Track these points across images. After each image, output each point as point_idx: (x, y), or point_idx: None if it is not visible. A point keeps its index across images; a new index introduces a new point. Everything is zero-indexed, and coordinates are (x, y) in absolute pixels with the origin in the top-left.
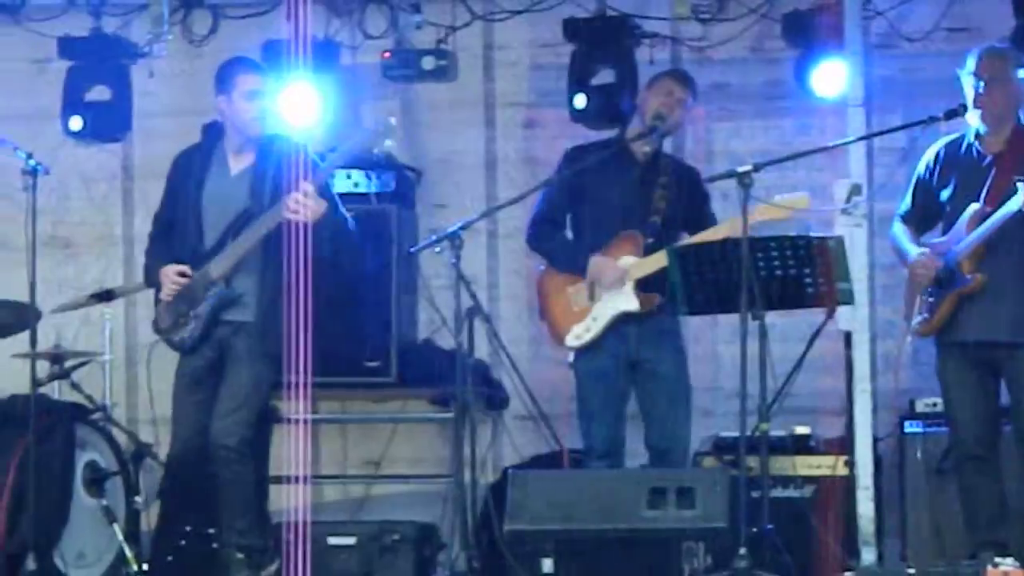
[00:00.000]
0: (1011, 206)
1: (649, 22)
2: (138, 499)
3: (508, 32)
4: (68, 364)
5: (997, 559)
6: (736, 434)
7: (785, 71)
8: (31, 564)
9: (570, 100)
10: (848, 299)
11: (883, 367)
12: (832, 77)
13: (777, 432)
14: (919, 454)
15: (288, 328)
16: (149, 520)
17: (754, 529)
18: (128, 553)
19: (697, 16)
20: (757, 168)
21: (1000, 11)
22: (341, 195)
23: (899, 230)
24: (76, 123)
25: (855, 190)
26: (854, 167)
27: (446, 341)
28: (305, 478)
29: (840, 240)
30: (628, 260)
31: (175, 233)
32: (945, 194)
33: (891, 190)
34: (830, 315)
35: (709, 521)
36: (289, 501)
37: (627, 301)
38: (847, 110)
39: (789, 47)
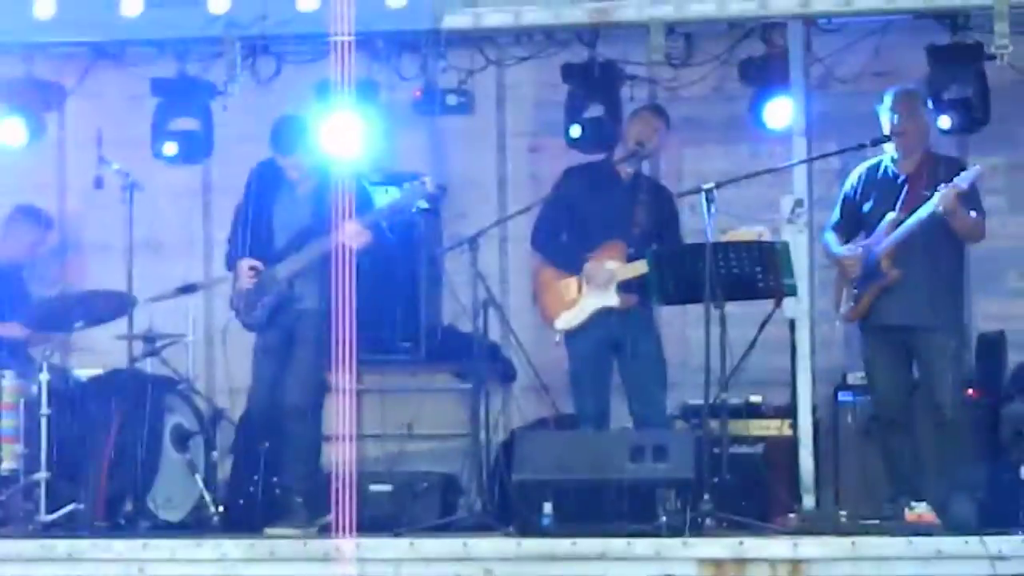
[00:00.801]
0: (921, 213)
1: (630, 66)
2: (215, 454)
3: (517, 75)
4: (158, 344)
5: (912, 503)
6: (701, 402)
7: (742, 107)
8: (128, 506)
9: (567, 130)
10: (792, 292)
11: (820, 347)
12: (780, 112)
13: (734, 400)
14: (850, 419)
15: (337, 318)
16: (224, 471)
17: (715, 479)
18: (207, 498)
19: (669, 62)
20: (719, 185)
21: (917, 58)
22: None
23: (830, 237)
24: (171, 148)
25: (798, 204)
26: (797, 185)
27: (465, 326)
28: (350, 437)
29: (786, 244)
30: (613, 265)
31: (250, 231)
32: (867, 207)
33: (827, 204)
34: (777, 305)
35: (679, 473)
36: (338, 456)
37: (610, 298)
38: (792, 138)
39: (745, 87)
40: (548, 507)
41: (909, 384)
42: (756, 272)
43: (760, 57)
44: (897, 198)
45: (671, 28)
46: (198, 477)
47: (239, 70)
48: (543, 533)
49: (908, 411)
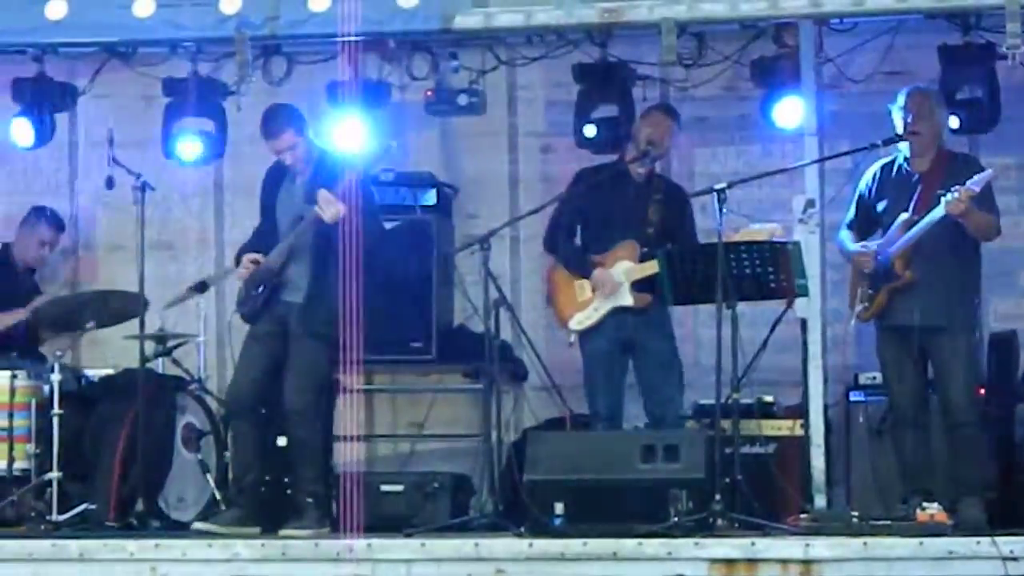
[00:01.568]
0: (935, 214)
1: (642, 66)
2: (227, 454)
3: (528, 75)
4: (170, 344)
5: (924, 504)
6: (712, 401)
7: (753, 107)
8: (140, 506)
9: (579, 130)
10: (804, 292)
11: (832, 347)
12: (791, 112)
13: (746, 400)
14: (861, 418)
15: (344, 317)
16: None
17: (727, 479)
18: (218, 497)
19: (681, 62)
20: (731, 185)
21: (928, 58)
22: (393, 206)
23: (844, 235)
24: (188, 150)
25: (810, 204)
26: (809, 185)
27: (477, 326)
28: (359, 437)
29: (797, 244)
30: (625, 264)
31: (263, 228)
32: (881, 206)
33: (839, 204)
34: (789, 305)
35: (690, 473)
36: (348, 456)
37: (624, 298)
38: (803, 139)
39: (756, 87)
40: (560, 507)
41: (923, 384)
42: (768, 272)
43: (772, 57)
44: (911, 197)
45: (683, 28)
46: (209, 477)
47: (251, 70)
48: (555, 533)
49: (922, 411)
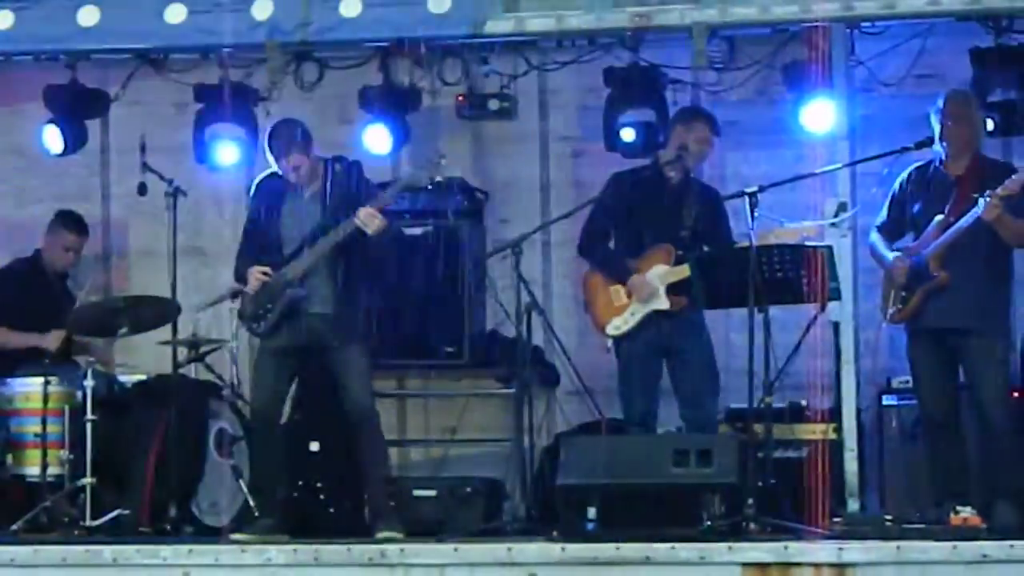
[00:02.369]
0: (969, 217)
1: (673, 70)
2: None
3: (559, 79)
4: (203, 349)
5: (958, 507)
6: (745, 406)
7: (785, 110)
8: (173, 511)
9: (612, 134)
10: (836, 296)
11: (865, 351)
12: (823, 115)
13: (778, 404)
14: (894, 422)
15: (375, 323)
16: None
17: (760, 483)
18: (251, 503)
19: (712, 66)
20: (762, 189)
21: (960, 61)
22: (424, 211)
23: (876, 238)
24: (223, 155)
25: (842, 207)
26: (841, 189)
27: (509, 331)
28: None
29: (830, 248)
30: (661, 268)
31: (259, 243)
32: (916, 208)
33: (871, 207)
34: (822, 309)
35: (723, 477)
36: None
37: (660, 302)
38: (835, 142)
39: (788, 91)
40: (592, 511)
41: (955, 387)
42: (800, 276)
43: (803, 61)
44: (946, 200)
45: (714, 32)
46: (242, 482)
47: (282, 76)
48: (587, 537)
49: (954, 414)
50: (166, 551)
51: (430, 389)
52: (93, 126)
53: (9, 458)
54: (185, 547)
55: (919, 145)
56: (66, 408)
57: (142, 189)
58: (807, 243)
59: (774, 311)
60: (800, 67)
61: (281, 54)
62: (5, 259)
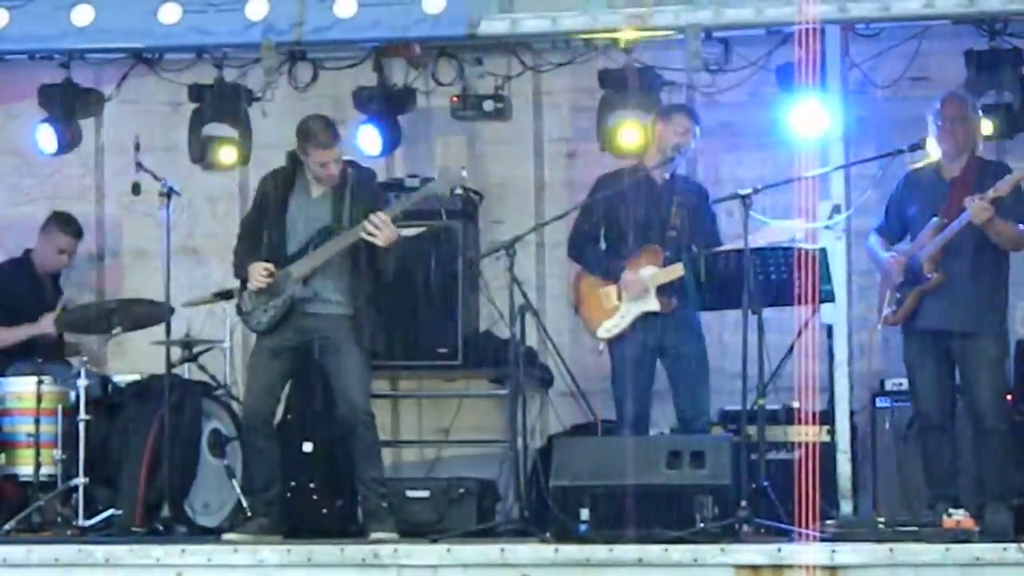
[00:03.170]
0: (964, 219)
1: (668, 72)
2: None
3: (553, 80)
4: (196, 350)
5: (951, 510)
6: (738, 407)
7: (779, 112)
8: (166, 511)
9: (609, 135)
10: (830, 298)
11: (858, 354)
12: (817, 117)
13: (772, 406)
14: (888, 424)
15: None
16: None
17: (753, 485)
18: (244, 503)
19: (707, 68)
20: (756, 191)
21: (955, 64)
22: (418, 212)
23: (874, 240)
24: (219, 157)
25: (836, 210)
26: (835, 191)
27: (502, 332)
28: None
29: (823, 250)
30: (650, 270)
31: (261, 238)
32: (912, 210)
33: (865, 209)
34: (815, 311)
35: (716, 479)
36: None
37: (650, 303)
38: (829, 144)
39: (782, 92)
40: (585, 513)
41: (950, 389)
42: (794, 278)
43: (797, 62)
44: (942, 202)
45: (708, 34)
46: (235, 482)
47: (277, 76)
48: (580, 539)
49: (949, 416)
50: (159, 551)
51: (423, 390)
52: (87, 125)
53: (2, 457)
54: (178, 547)
55: (913, 148)
56: (59, 408)
57: (136, 189)
58: (801, 245)
59: (767, 313)
60: (794, 69)
61: (275, 54)
62: None
